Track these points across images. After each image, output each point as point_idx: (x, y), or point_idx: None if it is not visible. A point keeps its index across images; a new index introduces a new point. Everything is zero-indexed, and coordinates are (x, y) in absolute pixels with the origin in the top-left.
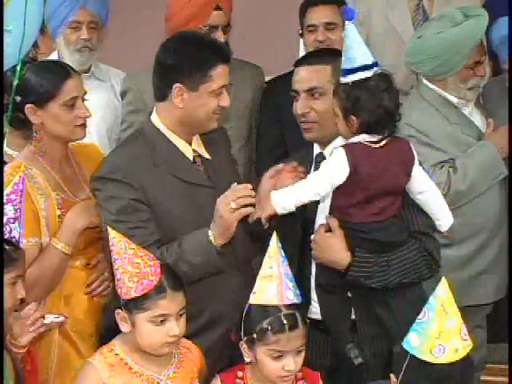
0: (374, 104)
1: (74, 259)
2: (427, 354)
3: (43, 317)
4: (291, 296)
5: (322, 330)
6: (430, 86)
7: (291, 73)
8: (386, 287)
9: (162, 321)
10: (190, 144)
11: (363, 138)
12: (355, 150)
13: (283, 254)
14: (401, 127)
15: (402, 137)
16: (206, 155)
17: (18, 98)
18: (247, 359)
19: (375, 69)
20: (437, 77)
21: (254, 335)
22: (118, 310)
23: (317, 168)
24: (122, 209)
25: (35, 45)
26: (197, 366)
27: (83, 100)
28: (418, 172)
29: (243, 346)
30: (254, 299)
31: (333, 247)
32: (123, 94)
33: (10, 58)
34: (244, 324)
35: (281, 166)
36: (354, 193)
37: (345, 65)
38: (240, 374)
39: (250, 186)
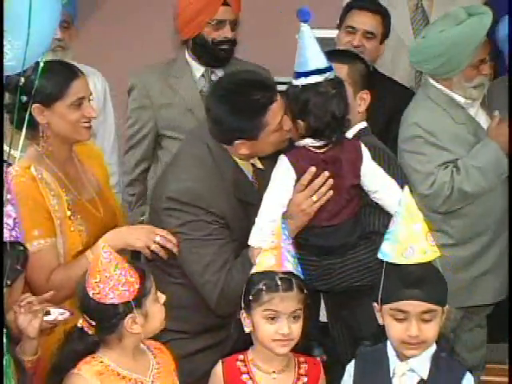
0: (321, 110)
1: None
2: (399, 257)
3: (48, 312)
4: (290, 267)
5: None
6: (437, 85)
7: None
8: (332, 290)
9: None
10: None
11: (307, 142)
12: (298, 155)
13: (286, 234)
14: (407, 127)
15: (353, 139)
16: (260, 165)
17: (24, 98)
18: (247, 329)
19: (327, 74)
20: (441, 76)
21: (251, 297)
22: (130, 315)
23: None
24: (205, 233)
25: None
26: (172, 364)
27: (89, 100)
28: (367, 171)
29: (243, 316)
30: (254, 269)
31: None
32: (129, 91)
33: (13, 69)
34: (244, 294)
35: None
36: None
37: (297, 68)
38: (241, 356)
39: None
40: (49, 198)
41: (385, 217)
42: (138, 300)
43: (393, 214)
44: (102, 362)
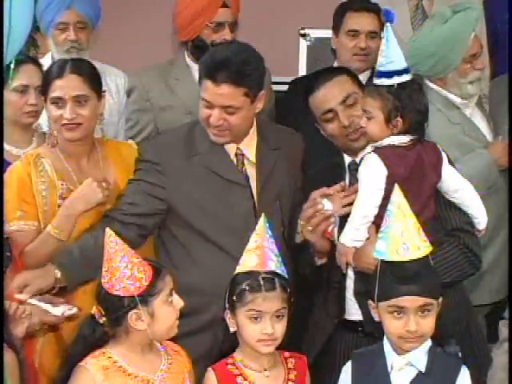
0: (419, 105)
1: None
2: (394, 255)
3: (57, 306)
4: (273, 266)
5: (360, 331)
6: (432, 86)
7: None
8: None
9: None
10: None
11: (391, 140)
12: (386, 152)
13: (269, 233)
14: None
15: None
16: (251, 157)
17: None
18: (232, 329)
19: (410, 73)
20: (437, 75)
21: (234, 297)
22: (134, 311)
23: (352, 177)
24: (137, 186)
25: (35, 45)
26: (186, 367)
27: (81, 104)
28: (448, 171)
29: (228, 316)
30: (238, 269)
31: (367, 254)
32: (128, 93)
33: None
34: (228, 293)
35: (329, 189)
36: (388, 195)
37: (385, 66)
38: (230, 360)
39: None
40: (38, 184)
41: (465, 214)
42: (145, 298)
43: (469, 213)
44: (109, 358)
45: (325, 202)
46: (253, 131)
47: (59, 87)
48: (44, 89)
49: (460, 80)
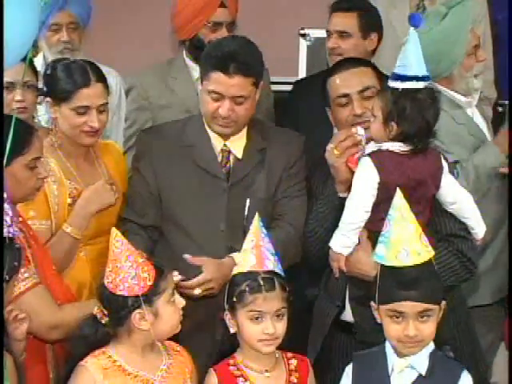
0: (418, 116)
1: (79, 250)
2: (394, 260)
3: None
4: (270, 265)
5: (355, 333)
6: (437, 86)
7: (312, 77)
8: None
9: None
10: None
11: (392, 145)
12: (382, 157)
13: (265, 232)
14: None
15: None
16: (237, 154)
17: (45, 89)
18: (232, 330)
19: (426, 82)
20: (442, 74)
21: (234, 299)
22: (138, 311)
23: None
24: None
25: (35, 45)
26: (188, 367)
27: (101, 111)
28: (447, 182)
29: (227, 317)
30: (236, 270)
31: (359, 259)
32: (127, 92)
33: None
34: (227, 294)
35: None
36: (380, 202)
37: (398, 69)
38: (231, 361)
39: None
40: (49, 183)
41: (456, 218)
42: (149, 297)
43: (467, 224)
44: (109, 357)
45: (358, 128)
46: (243, 130)
47: (86, 96)
48: (65, 96)
49: (466, 74)
